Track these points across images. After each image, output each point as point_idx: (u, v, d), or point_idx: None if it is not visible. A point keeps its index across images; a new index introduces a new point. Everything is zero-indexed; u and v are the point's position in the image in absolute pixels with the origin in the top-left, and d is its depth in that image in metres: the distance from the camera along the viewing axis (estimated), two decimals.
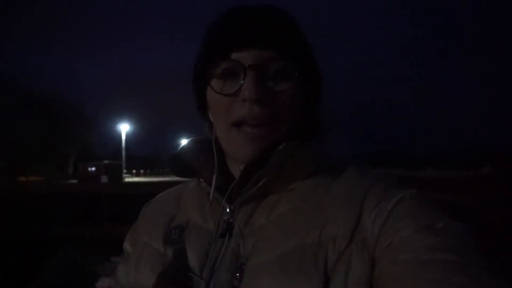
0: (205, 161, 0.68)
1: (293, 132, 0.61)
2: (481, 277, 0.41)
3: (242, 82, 0.58)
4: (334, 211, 0.56)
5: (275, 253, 0.54)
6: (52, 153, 37.85)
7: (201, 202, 0.67)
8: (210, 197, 0.64)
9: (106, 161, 30.75)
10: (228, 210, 0.62)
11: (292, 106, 0.61)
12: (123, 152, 46.02)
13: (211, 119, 0.67)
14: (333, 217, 0.55)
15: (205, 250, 0.60)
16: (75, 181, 29.99)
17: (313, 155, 0.63)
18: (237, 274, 0.55)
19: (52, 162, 37.79)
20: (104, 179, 26.34)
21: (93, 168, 29.53)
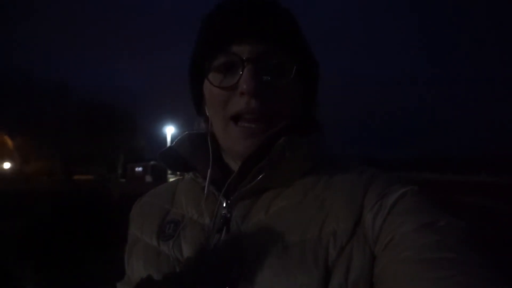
0: (201, 155, 0.67)
1: (291, 127, 0.60)
2: (482, 276, 0.41)
3: (240, 74, 0.57)
4: (335, 206, 0.54)
5: (274, 248, 0.53)
6: (103, 155, 40.31)
7: (197, 197, 0.66)
8: (205, 191, 0.64)
9: (152, 162, 32.02)
10: (224, 204, 0.61)
11: (290, 101, 0.60)
12: None
13: (208, 114, 0.66)
14: (334, 212, 0.53)
15: (201, 244, 0.59)
16: (123, 180, 31.79)
17: (312, 150, 0.62)
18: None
19: (103, 164, 40.21)
20: (148, 178, 27.58)
21: (140, 169, 30.93)
